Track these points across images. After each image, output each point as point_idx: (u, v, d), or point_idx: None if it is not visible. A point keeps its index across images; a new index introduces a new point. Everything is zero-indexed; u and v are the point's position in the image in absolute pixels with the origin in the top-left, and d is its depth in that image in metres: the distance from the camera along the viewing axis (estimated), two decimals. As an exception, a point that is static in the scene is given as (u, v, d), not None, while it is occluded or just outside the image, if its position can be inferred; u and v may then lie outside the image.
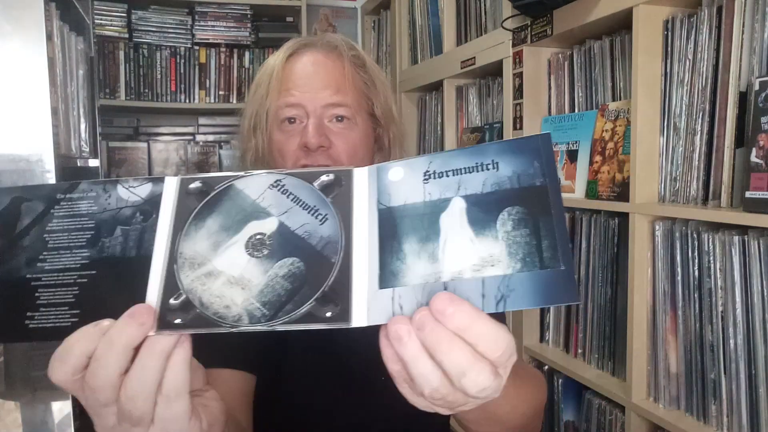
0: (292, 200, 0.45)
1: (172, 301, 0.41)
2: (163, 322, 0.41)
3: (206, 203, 0.45)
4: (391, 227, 0.44)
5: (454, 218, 0.43)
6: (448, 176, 0.44)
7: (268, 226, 0.44)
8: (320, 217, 0.44)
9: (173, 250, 0.43)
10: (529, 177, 0.43)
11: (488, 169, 0.44)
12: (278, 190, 0.46)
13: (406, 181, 0.45)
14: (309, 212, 0.45)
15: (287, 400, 0.84)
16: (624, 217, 1.21)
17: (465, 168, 0.44)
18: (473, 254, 0.42)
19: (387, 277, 0.42)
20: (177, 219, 0.45)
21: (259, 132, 0.86)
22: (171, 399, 0.40)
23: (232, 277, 0.42)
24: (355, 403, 0.89)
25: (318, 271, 0.42)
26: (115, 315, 0.40)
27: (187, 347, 0.41)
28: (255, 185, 0.46)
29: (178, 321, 0.41)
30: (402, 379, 0.41)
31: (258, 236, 0.44)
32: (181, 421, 0.41)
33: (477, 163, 0.44)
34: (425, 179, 0.45)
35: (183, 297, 0.41)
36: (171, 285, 0.42)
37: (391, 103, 0.91)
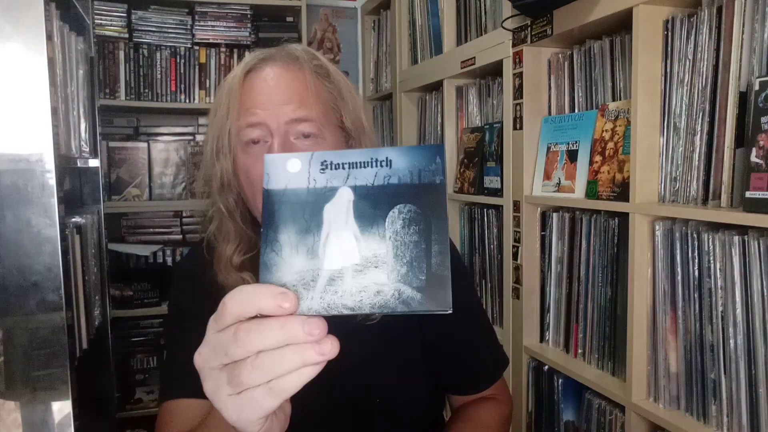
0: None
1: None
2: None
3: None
4: (269, 213, 0.41)
5: (339, 211, 0.40)
6: (338, 167, 0.41)
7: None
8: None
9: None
10: (427, 174, 0.40)
11: (381, 166, 0.40)
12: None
13: (301, 171, 0.41)
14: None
15: None
16: (624, 217, 1.21)
17: (358, 161, 0.41)
18: (356, 253, 0.39)
19: (261, 269, 0.40)
20: None
21: (222, 156, 0.81)
22: (273, 394, 0.39)
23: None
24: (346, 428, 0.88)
25: None
26: None
27: (320, 366, 0.39)
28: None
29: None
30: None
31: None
32: (261, 412, 0.40)
33: (371, 158, 0.41)
34: (321, 169, 0.41)
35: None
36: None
37: (360, 113, 0.86)
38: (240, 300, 0.40)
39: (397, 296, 0.39)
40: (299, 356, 0.38)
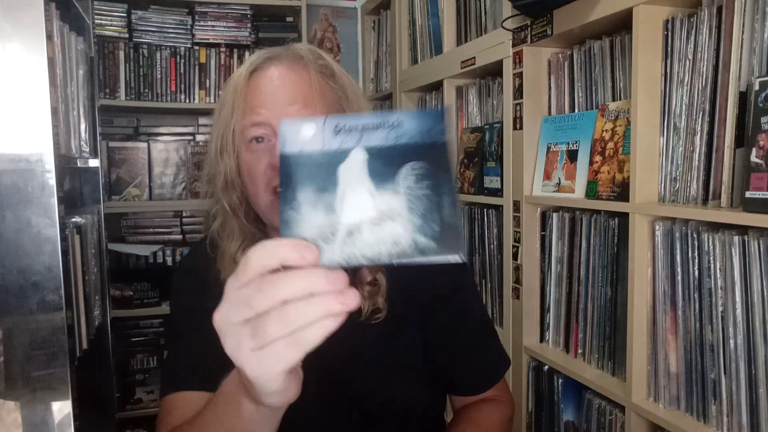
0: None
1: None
2: None
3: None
4: (286, 175, 0.43)
5: (354, 170, 0.42)
6: (350, 131, 0.43)
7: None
8: None
9: None
10: (434, 133, 0.42)
11: (392, 127, 0.43)
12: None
13: (315, 135, 0.44)
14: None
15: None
16: (624, 217, 1.21)
17: (370, 123, 0.43)
18: (372, 207, 0.41)
19: (281, 226, 0.42)
20: None
21: (226, 154, 0.82)
22: (296, 346, 0.40)
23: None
24: (344, 424, 0.88)
25: None
26: None
27: (342, 318, 0.41)
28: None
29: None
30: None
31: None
32: (284, 365, 0.41)
33: (382, 121, 0.43)
34: (335, 132, 0.44)
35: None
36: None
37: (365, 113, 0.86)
38: (263, 253, 0.41)
39: (414, 246, 0.41)
40: (323, 306, 0.39)
